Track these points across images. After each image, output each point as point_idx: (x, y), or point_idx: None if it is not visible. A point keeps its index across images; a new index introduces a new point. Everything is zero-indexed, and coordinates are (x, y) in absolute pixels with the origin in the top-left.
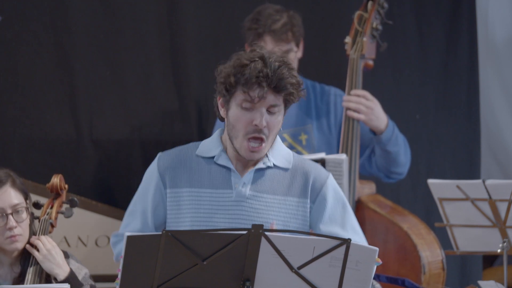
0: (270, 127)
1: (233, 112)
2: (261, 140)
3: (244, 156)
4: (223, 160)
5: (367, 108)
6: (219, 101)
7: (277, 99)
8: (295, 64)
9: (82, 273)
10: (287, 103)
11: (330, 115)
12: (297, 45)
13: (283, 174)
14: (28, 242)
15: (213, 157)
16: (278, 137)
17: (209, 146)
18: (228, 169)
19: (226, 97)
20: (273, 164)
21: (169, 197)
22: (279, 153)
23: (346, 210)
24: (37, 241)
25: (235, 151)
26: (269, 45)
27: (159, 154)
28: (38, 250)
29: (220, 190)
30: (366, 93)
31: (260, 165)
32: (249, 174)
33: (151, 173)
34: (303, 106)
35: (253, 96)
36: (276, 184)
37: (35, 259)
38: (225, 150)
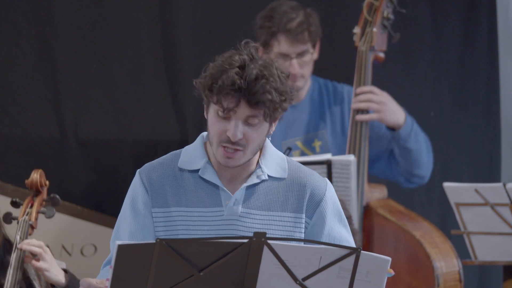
0: (248, 139)
1: (210, 117)
2: (236, 149)
3: (220, 162)
4: (209, 175)
5: (378, 103)
6: (204, 102)
7: (254, 111)
8: (309, 67)
9: (63, 267)
10: (271, 116)
11: (345, 117)
12: (314, 46)
13: (278, 186)
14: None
15: (197, 170)
16: (268, 141)
17: (192, 156)
18: (216, 185)
19: (206, 100)
20: (268, 175)
21: (156, 217)
22: (273, 160)
23: (342, 223)
24: (31, 246)
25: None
26: (283, 46)
27: (138, 171)
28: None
29: (210, 209)
30: (372, 88)
31: (254, 179)
32: (241, 191)
33: (136, 190)
34: (315, 109)
35: (225, 106)
36: (270, 198)
37: (14, 265)
38: (209, 161)
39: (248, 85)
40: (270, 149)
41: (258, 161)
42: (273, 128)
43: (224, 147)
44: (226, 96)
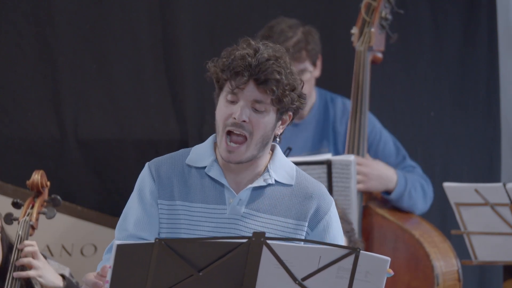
0: (253, 125)
1: (218, 105)
2: (241, 136)
3: (223, 157)
4: (214, 173)
5: (362, 175)
6: (215, 93)
7: (261, 95)
8: (311, 84)
9: (66, 272)
10: (279, 105)
11: None
12: (313, 64)
13: (284, 192)
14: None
15: (204, 167)
16: (279, 148)
17: (200, 154)
18: (222, 184)
19: (217, 91)
20: (275, 180)
21: (160, 208)
22: (281, 167)
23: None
24: (24, 259)
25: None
26: None
27: (147, 163)
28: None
29: (213, 206)
30: (360, 160)
31: (260, 182)
32: (246, 191)
33: (144, 179)
34: (319, 126)
35: (233, 85)
36: (274, 203)
37: (11, 277)
38: (217, 159)
39: (258, 63)
40: (281, 156)
41: (266, 166)
42: (281, 129)
43: (228, 133)
44: (236, 75)
